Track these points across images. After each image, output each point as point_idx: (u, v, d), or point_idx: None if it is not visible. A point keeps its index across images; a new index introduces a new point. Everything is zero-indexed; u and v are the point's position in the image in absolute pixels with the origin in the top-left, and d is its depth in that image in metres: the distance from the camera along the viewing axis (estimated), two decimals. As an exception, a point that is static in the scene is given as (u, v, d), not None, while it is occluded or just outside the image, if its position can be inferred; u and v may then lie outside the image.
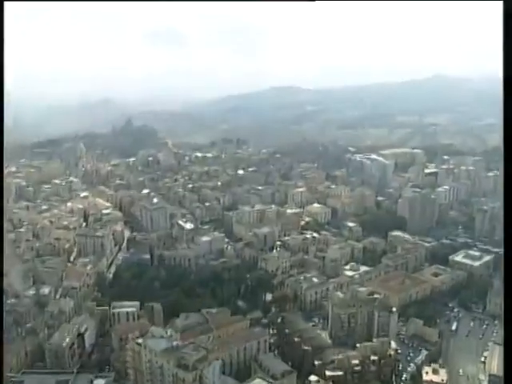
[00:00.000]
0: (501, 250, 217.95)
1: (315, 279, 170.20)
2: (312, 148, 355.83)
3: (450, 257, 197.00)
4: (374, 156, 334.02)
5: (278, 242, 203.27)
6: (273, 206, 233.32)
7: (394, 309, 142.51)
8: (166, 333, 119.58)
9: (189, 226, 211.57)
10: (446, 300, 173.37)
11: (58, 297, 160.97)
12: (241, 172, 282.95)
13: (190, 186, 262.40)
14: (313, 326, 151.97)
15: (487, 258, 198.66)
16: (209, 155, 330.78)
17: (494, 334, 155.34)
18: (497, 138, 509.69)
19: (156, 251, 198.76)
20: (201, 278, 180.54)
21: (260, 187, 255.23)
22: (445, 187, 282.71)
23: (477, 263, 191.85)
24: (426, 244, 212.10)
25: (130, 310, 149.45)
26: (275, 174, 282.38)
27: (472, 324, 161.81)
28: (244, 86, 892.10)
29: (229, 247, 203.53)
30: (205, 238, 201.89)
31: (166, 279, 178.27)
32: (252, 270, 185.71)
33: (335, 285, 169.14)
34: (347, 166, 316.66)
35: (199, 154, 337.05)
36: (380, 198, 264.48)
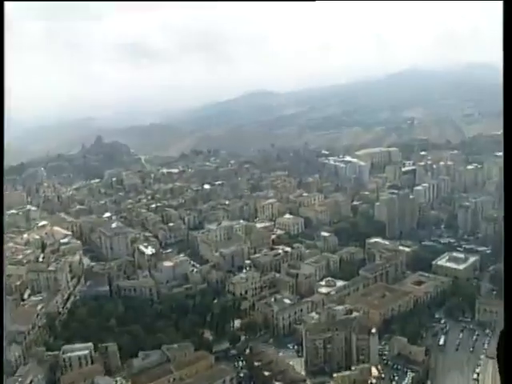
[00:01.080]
0: (486, 249, 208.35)
1: (287, 300, 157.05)
2: (283, 154, 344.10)
3: (434, 261, 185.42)
4: (348, 158, 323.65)
5: (248, 261, 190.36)
6: (241, 221, 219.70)
7: (374, 330, 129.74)
8: (116, 383, 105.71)
9: (150, 250, 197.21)
10: (431, 311, 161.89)
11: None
12: (207, 187, 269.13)
13: (154, 205, 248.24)
14: (286, 355, 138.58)
15: (472, 259, 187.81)
16: (174, 170, 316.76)
17: (486, 346, 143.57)
18: (475, 129, 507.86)
19: (115, 282, 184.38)
20: (163, 308, 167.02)
21: (227, 202, 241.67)
22: (423, 185, 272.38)
23: (462, 266, 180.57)
24: (407, 249, 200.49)
25: (82, 353, 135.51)
26: (244, 185, 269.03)
27: (461, 336, 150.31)
28: (217, 94, 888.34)
29: (194, 271, 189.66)
30: (167, 263, 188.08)
31: (125, 313, 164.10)
32: (219, 294, 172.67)
33: (309, 305, 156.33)
34: (321, 171, 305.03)
35: (165, 170, 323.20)
36: (356, 203, 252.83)
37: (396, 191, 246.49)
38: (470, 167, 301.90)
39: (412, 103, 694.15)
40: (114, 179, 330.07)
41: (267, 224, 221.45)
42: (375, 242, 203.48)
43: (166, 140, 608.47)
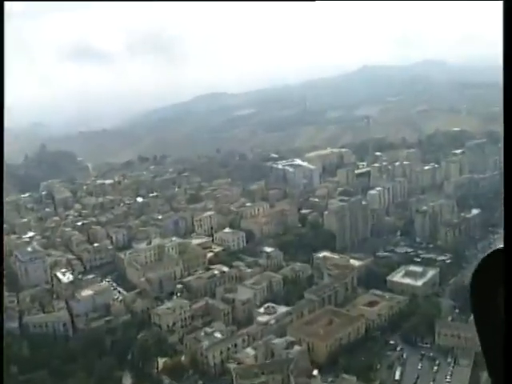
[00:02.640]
0: (447, 258, 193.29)
1: (219, 334, 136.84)
2: (228, 159, 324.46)
3: (388, 277, 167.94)
4: (298, 161, 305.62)
5: (179, 286, 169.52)
6: (174, 238, 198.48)
7: (316, 371, 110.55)
8: None
9: (67, 277, 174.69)
10: (385, 337, 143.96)
11: None
12: (140, 199, 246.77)
13: (80, 223, 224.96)
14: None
15: (431, 272, 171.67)
16: (109, 181, 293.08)
17: (449, 378, 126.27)
18: (431, 126, 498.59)
19: (26, 317, 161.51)
20: (77, 347, 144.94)
21: (160, 216, 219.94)
22: (378, 189, 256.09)
23: (420, 282, 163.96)
24: (359, 263, 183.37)
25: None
26: (181, 197, 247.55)
27: (420, 366, 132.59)
28: (171, 96, 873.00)
29: (118, 299, 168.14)
30: (87, 292, 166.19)
31: (32, 356, 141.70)
32: (144, 327, 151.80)
33: (245, 338, 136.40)
34: (268, 177, 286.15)
35: (98, 182, 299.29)
36: (305, 211, 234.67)
37: (346, 198, 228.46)
38: (427, 167, 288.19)
39: (367, 101, 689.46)
40: (43, 193, 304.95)
41: (204, 240, 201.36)
42: (324, 256, 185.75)
43: (119, 146, 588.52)
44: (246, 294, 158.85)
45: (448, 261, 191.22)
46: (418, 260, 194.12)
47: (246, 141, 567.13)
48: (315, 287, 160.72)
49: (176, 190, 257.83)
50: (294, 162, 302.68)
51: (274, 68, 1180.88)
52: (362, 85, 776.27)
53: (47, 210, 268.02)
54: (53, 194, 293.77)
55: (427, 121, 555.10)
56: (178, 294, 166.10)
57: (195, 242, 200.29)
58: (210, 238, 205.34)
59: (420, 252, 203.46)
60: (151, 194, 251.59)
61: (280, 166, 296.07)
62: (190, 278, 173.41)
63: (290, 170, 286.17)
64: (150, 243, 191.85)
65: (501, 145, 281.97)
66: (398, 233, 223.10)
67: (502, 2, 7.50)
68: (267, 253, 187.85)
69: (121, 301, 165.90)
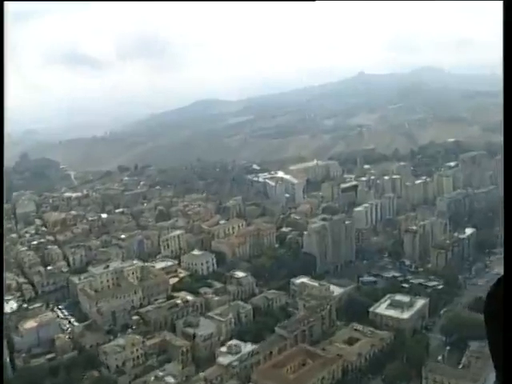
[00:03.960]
0: (438, 284, 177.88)
1: (171, 379, 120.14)
2: (207, 171, 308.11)
3: (372, 308, 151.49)
4: (280, 174, 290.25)
5: (135, 317, 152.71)
6: (135, 261, 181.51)
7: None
8: None
9: (10, 306, 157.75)
10: (365, 381, 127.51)
11: None
12: (104, 216, 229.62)
13: (36, 242, 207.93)
14: None
15: (420, 302, 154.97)
16: (77, 194, 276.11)
17: None
18: (426, 135, 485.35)
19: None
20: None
21: (123, 235, 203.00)
22: (365, 205, 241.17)
23: (406, 314, 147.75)
24: (340, 290, 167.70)
25: None
26: (149, 213, 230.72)
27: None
28: (166, 103, 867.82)
29: (68, 331, 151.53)
30: (30, 324, 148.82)
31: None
32: (91, 366, 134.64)
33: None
34: (247, 191, 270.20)
35: (67, 194, 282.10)
36: (285, 230, 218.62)
37: (329, 216, 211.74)
38: (418, 181, 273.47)
39: (362, 109, 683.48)
40: (8, 206, 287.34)
41: (169, 263, 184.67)
42: (301, 282, 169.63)
43: (107, 153, 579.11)
44: (208, 327, 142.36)
45: (439, 287, 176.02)
46: (406, 286, 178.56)
47: (236, 150, 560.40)
48: (288, 321, 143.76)
49: (145, 205, 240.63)
50: (277, 175, 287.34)
51: (270, 74, 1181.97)
52: (358, 92, 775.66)
53: (8, 225, 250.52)
54: (14, 208, 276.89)
55: (422, 130, 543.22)
56: (134, 327, 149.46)
57: (159, 265, 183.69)
58: (177, 261, 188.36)
59: (409, 277, 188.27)
60: (117, 210, 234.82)
61: (261, 179, 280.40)
62: (148, 308, 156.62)
63: (271, 183, 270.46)
64: (107, 267, 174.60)
65: (499, 157, 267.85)
66: (386, 254, 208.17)
67: (501, 2, 7.55)
68: (238, 278, 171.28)
69: (68, 334, 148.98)
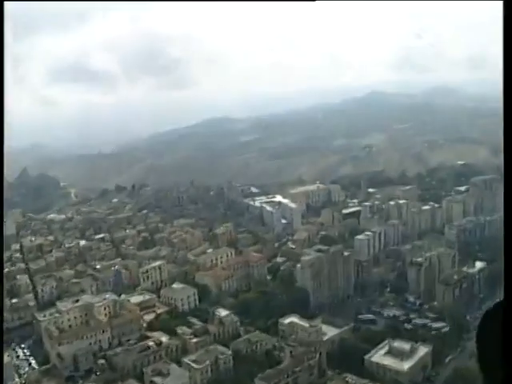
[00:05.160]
0: (444, 325, 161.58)
1: None
2: (201, 194, 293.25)
3: (367, 356, 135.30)
4: (278, 198, 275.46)
5: (101, 361, 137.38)
6: (107, 295, 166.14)
7: None
8: None
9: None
10: None
11: None
12: (83, 243, 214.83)
13: (6, 270, 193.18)
14: None
15: (422, 350, 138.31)
16: (60, 217, 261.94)
17: None
18: (436, 157, 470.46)
19: None
20: None
21: (98, 265, 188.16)
22: (367, 233, 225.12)
23: (406, 365, 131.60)
24: (334, 332, 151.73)
25: None
26: (132, 240, 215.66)
27: None
28: (174, 120, 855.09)
29: (25, 376, 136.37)
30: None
31: None
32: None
33: None
34: (241, 217, 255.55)
35: (51, 216, 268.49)
36: (279, 260, 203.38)
37: (325, 247, 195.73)
38: (425, 207, 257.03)
39: (372, 129, 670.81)
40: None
41: (147, 298, 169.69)
42: (290, 322, 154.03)
43: (112, 170, 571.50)
44: (180, 377, 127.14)
45: (445, 329, 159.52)
46: (408, 327, 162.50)
47: (239, 170, 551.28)
48: (271, 371, 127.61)
49: (127, 231, 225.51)
50: (275, 199, 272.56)
51: (280, 92, 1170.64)
52: (368, 111, 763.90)
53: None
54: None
55: (432, 152, 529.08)
56: (98, 373, 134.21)
57: (136, 299, 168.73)
58: (153, 296, 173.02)
59: (411, 316, 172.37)
60: (97, 236, 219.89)
61: (257, 204, 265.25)
62: (117, 351, 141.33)
63: (268, 208, 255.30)
64: (76, 301, 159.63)
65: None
66: (388, 289, 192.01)
67: (501, 2, 7.54)
68: (220, 317, 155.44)
69: (24, 380, 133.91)
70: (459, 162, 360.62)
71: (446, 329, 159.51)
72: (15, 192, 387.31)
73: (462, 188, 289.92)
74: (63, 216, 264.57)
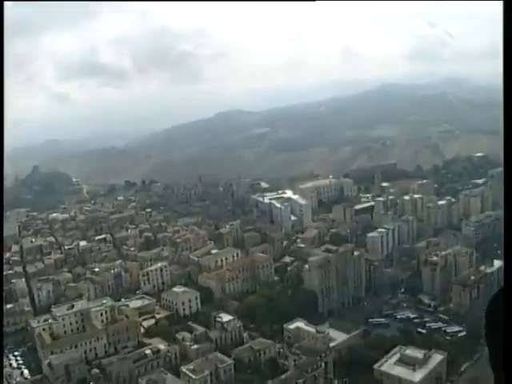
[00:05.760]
0: (460, 329, 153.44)
1: None
2: (209, 190, 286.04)
3: (377, 365, 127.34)
4: (288, 194, 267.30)
5: (95, 370, 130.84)
6: (104, 300, 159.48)
7: None
8: None
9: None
10: None
11: None
12: (83, 244, 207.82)
13: (4, 272, 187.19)
14: None
15: (437, 358, 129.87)
16: (64, 216, 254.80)
17: None
18: (452, 148, 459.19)
19: None
20: None
21: (97, 268, 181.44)
22: (380, 230, 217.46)
23: (419, 375, 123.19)
24: (343, 337, 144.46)
25: None
26: (134, 240, 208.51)
27: None
28: (188, 114, 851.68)
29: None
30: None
31: None
32: None
33: None
34: (250, 214, 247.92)
35: (53, 216, 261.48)
36: (287, 260, 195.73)
37: (334, 247, 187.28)
38: (441, 202, 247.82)
39: (384, 121, 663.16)
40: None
41: (146, 302, 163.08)
42: (296, 328, 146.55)
43: (126, 165, 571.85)
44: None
45: (461, 334, 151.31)
46: (422, 332, 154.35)
47: (250, 163, 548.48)
48: (273, 381, 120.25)
49: (129, 231, 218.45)
50: (284, 195, 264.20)
51: (293, 84, 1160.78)
52: (381, 103, 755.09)
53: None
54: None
55: (448, 143, 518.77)
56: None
57: (135, 304, 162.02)
58: (156, 299, 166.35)
59: (426, 319, 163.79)
60: (98, 237, 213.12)
61: (266, 200, 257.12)
62: (112, 359, 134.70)
63: (277, 205, 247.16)
64: (71, 307, 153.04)
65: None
66: (401, 290, 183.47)
67: (501, 2, 7.58)
68: (223, 323, 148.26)
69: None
70: (476, 154, 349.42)
71: (463, 333, 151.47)
72: (27, 189, 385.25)
73: (480, 181, 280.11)
74: (66, 215, 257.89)
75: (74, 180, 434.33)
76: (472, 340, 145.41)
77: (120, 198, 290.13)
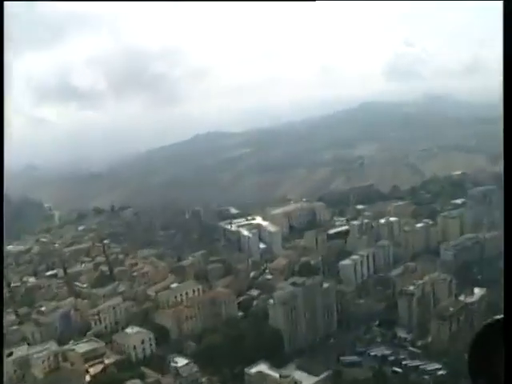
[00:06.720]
0: (438, 368, 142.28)
1: None
2: (175, 218, 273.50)
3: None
4: (258, 220, 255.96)
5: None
6: (47, 345, 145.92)
7: None
8: None
9: None
10: None
11: None
12: (32, 280, 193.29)
13: None
14: None
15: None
16: (19, 248, 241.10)
17: None
18: (430, 167, 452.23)
19: None
20: None
21: (43, 307, 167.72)
22: (354, 257, 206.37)
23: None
24: (310, 380, 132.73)
25: None
26: (88, 275, 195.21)
27: None
28: (166, 137, 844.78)
29: None
30: None
31: None
32: None
33: None
34: (217, 243, 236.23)
35: (9, 248, 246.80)
36: (253, 293, 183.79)
37: (301, 279, 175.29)
38: (419, 225, 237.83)
39: (364, 139, 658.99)
40: None
41: (95, 346, 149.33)
42: (258, 372, 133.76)
43: (100, 190, 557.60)
44: None
45: (440, 372, 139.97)
46: (399, 371, 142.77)
47: (224, 187, 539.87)
48: None
49: (83, 265, 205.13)
50: (254, 222, 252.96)
51: (271, 105, 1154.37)
52: (359, 122, 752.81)
53: None
54: None
55: (428, 160, 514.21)
56: None
57: (82, 348, 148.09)
58: (108, 341, 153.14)
59: (402, 356, 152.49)
60: (49, 272, 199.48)
61: (234, 228, 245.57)
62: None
63: (245, 233, 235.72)
64: (10, 355, 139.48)
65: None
66: (376, 323, 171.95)
67: (501, 2, 7.61)
68: (177, 368, 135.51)
69: None
70: (455, 173, 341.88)
71: (443, 371, 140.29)
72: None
73: (459, 201, 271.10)
74: (22, 247, 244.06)
75: (46, 206, 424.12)
76: (452, 379, 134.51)
77: (81, 227, 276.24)
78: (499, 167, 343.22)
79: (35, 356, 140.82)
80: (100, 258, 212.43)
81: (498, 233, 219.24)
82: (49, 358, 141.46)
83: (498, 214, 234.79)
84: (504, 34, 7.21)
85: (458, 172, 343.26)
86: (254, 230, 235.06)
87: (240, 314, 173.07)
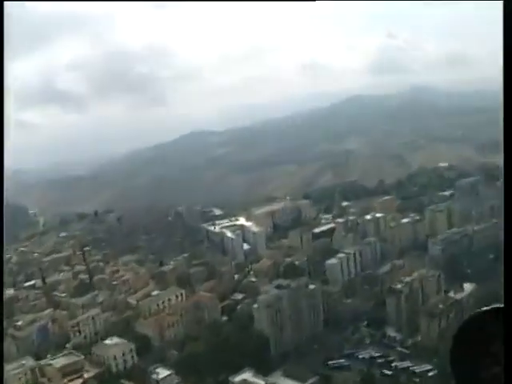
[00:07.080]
0: (429, 368, 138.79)
1: None
2: (157, 221, 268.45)
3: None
4: (241, 221, 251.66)
5: None
6: (25, 360, 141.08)
7: None
8: None
9: None
10: None
11: None
12: (10, 292, 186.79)
13: None
14: None
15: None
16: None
17: None
18: (417, 159, 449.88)
19: None
20: None
21: (20, 322, 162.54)
22: (339, 256, 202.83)
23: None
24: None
25: None
26: (67, 285, 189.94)
27: None
28: (150, 138, 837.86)
29: None
30: None
31: None
32: None
33: None
34: (200, 245, 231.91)
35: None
36: (237, 297, 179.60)
37: (286, 282, 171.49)
38: (405, 220, 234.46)
39: (351, 134, 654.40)
40: None
41: (74, 359, 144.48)
42: (242, 381, 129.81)
43: (86, 194, 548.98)
44: None
45: (431, 372, 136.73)
46: (388, 373, 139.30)
47: (209, 187, 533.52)
48: None
49: (61, 275, 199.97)
50: (237, 222, 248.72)
51: (256, 103, 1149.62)
52: (346, 116, 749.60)
53: None
54: None
55: (416, 151, 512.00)
56: None
57: (60, 362, 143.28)
58: (87, 353, 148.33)
59: (391, 357, 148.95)
60: (28, 283, 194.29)
61: (217, 229, 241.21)
62: None
63: (228, 234, 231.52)
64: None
65: (499, 183, 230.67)
66: (364, 323, 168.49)
67: (501, 2, 7.70)
68: (158, 380, 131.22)
69: None
70: (442, 164, 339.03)
71: (433, 372, 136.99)
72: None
73: (447, 193, 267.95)
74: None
75: (30, 212, 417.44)
76: (443, 379, 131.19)
77: (62, 234, 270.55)
78: (485, 157, 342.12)
79: (11, 373, 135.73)
80: (80, 267, 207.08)
81: (486, 225, 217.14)
82: (25, 374, 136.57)
83: (486, 205, 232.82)
84: (504, 34, 7.19)
85: (445, 164, 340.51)
86: (238, 231, 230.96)
87: (224, 318, 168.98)
